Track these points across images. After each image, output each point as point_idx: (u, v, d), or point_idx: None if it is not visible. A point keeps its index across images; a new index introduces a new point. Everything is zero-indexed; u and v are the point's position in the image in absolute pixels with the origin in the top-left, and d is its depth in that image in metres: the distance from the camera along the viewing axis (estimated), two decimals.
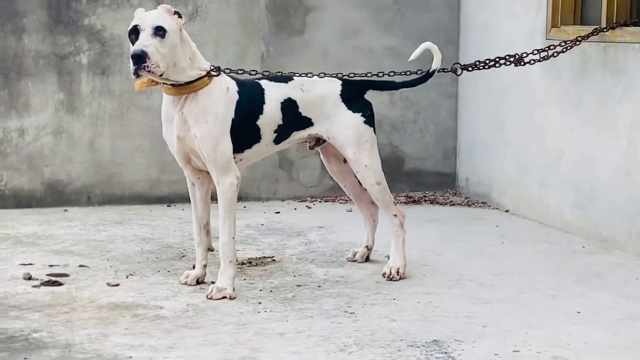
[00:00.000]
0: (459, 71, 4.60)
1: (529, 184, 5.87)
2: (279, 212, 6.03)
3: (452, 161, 6.76)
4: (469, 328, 3.71)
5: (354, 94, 4.46)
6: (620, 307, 4.02)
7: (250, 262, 4.70)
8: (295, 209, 6.19)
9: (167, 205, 6.19)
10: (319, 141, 4.54)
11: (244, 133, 4.19)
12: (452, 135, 6.74)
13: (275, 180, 6.46)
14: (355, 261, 4.74)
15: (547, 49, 4.74)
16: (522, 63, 4.68)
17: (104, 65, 6.10)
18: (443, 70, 4.59)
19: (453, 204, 6.36)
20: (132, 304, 3.98)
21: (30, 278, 4.34)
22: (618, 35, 5.03)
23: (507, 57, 4.66)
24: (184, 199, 6.25)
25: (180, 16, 4.05)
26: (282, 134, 4.33)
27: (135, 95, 6.13)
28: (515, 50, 5.92)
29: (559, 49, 4.82)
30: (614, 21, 5.09)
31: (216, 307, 3.95)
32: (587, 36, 4.95)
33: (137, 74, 3.94)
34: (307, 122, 4.38)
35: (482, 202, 6.33)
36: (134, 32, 3.97)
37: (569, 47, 4.82)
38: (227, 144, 4.10)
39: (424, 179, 6.72)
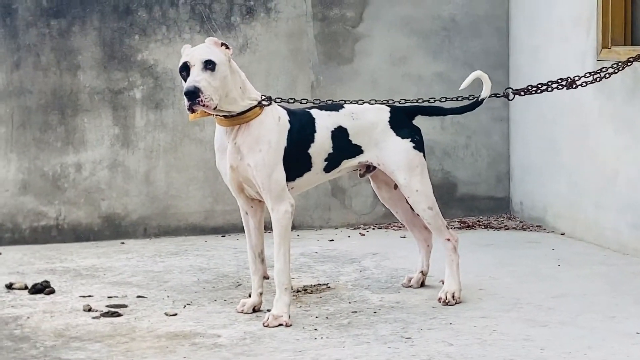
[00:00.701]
0: (511, 96, 4.59)
1: (584, 206, 5.82)
2: (332, 240, 6.04)
3: (506, 185, 6.73)
4: (527, 351, 3.69)
5: (403, 120, 4.48)
6: None
7: (305, 290, 4.72)
8: (349, 236, 6.20)
9: (222, 236, 6.25)
10: (369, 168, 4.56)
11: (295, 161, 4.23)
12: (504, 159, 6.71)
13: (328, 208, 6.49)
14: (410, 287, 4.74)
15: (599, 71, 4.72)
16: (574, 86, 4.66)
17: (157, 99, 6.20)
18: (495, 95, 4.59)
19: (507, 228, 6.33)
20: (190, 333, 4.02)
21: (90, 310, 4.40)
22: None
23: (559, 81, 4.65)
24: (238, 228, 6.31)
25: (227, 47, 4.11)
26: (332, 162, 4.37)
27: (188, 127, 6.22)
28: (566, 72, 5.90)
29: (610, 70, 4.79)
30: None
31: (273, 334, 3.97)
32: (638, 56, 4.91)
33: (191, 109, 4.01)
34: (357, 150, 4.41)
35: (537, 226, 6.29)
36: (185, 69, 4.04)
37: (620, 69, 4.79)
38: (281, 172, 4.15)
39: (478, 204, 6.70)
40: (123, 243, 6.03)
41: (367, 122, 4.41)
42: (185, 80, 4.03)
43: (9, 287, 4.84)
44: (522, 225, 6.36)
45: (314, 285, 4.81)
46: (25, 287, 4.81)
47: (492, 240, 5.93)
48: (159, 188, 6.22)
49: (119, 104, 6.15)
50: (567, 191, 5.99)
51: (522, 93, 4.60)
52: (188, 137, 6.24)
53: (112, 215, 6.16)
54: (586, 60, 5.72)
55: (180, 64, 4.07)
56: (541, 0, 6.24)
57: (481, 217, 6.62)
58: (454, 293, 4.41)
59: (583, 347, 3.71)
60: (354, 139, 4.38)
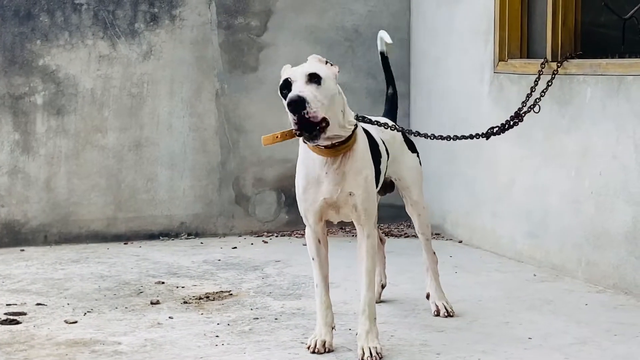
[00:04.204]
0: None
1: (481, 214, 5.97)
2: (236, 247, 6.07)
3: None
4: (424, 356, 3.78)
5: (404, 133, 4.33)
6: (570, 332, 4.12)
7: (207, 297, 4.74)
8: (252, 243, 6.23)
9: (124, 243, 6.21)
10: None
11: (376, 179, 3.90)
12: None
13: (232, 216, 6.51)
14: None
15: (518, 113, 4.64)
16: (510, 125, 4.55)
17: (59, 105, 6.13)
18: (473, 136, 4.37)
19: (407, 236, 6.45)
20: (90, 341, 4.00)
21: None
22: (563, 68, 5.17)
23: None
24: (140, 236, 6.30)
25: (332, 65, 3.70)
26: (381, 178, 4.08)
27: (90, 134, 6.17)
28: (466, 83, 6.06)
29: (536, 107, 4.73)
30: (559, 54, 5.24)
31: (174, 341, 3.98)
32: (554, 76, 4.94)
33: (299, 127, 3.47)
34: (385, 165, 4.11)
35: (435, 234, 6.41)
36: (286, 87, 3.56)
37: (543, 94, 4.80)
38: (375, 193, 3.86)
39: (379, 212, 6.76)
40: (23, 250, 5.95)
41: (390, 136, 4.17)
42: (285, 99, 3.52)
43: None
44: None
45: (217, 293, 4.83)
46: None
47: (392, 248, 6.02)
48: (60, 195, 6.15)
49: (20, 110, 6.06)
50: (465, 200, 6.14)
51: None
52: (90, 144, 6.19)
53: (11, 222, 6.07)
54: (484, 72, 5.88)
55: (280, 82, 3.61)
56: (441, 12, 6.39)
57: (381, 225, 6.72)
58: (444, 303, 4.39)
59: (477, 352, 3.82)
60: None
